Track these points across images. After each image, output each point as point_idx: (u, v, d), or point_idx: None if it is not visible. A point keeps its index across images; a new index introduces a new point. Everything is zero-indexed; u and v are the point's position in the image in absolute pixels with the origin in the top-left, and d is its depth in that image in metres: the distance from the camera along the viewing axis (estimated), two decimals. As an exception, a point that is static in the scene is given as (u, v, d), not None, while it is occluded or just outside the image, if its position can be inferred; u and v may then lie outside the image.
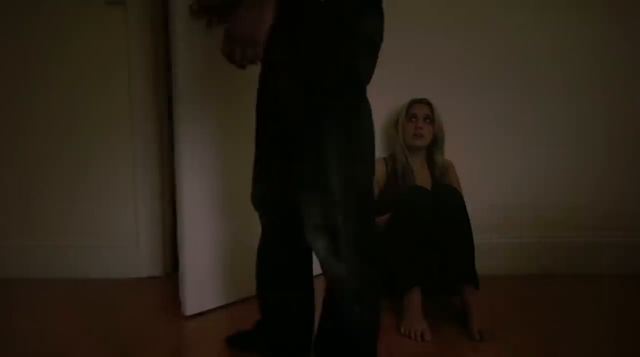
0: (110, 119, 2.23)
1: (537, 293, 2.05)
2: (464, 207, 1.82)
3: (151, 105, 2.21)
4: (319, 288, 1.28)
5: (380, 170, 2.15)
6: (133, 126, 2.21)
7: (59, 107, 2.23)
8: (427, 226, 1.78)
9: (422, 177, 2.12)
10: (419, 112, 2.10)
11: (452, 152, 2.20)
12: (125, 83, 2.20)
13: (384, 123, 2.26)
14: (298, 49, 1.08)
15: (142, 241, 2.26)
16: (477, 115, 2.27)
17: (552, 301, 1.97)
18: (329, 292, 1.19)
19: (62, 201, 2.26)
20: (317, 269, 1.25)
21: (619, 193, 2.30)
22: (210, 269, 1.84)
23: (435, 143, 2.14)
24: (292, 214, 1.20)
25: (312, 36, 1.07)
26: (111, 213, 2.26)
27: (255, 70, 1.23)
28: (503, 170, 2.30)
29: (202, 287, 1.82)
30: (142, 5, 2.14)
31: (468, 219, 1.80)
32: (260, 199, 1.36)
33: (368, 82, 1.16)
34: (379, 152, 2.26)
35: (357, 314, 1.15)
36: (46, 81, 2.22)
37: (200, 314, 1.81)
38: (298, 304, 1.37)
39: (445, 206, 1.81)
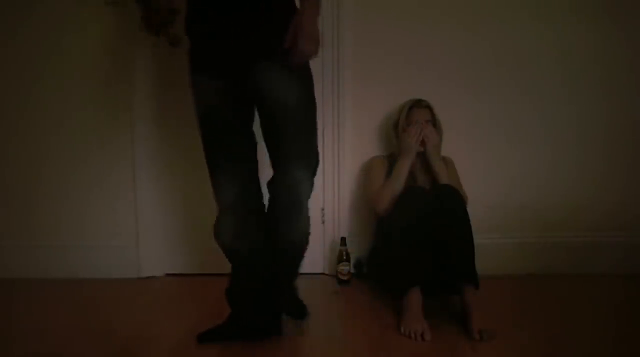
0: (110, 119, 2.23)
1: (537, 293, 2.05)
2: (464, 207, 1.81)
3: (151, 106, 2.21)
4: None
5: (381, 169, 2.15)
6: (133, 126, 2.21)
7: (58, 107, 2.23)
8: (427, 226, 1.77)
9: (423, 178, 2.11)
10: (420, 117, 2.06)
11: (453, 152, 2.19)
12: (125, 83, 2.20)
13: (383, 122, 2.26)
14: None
15: (142, 241, 2.26)
16: (478, 115, 2.27)
17: (552, 300, 1.98)
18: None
19: (61, 201, 2.26)
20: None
21: (619, 193, 2.30)
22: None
23: (434, 142, 2.13)
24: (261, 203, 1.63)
25: None
26: (111, 213, 2.26)
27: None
28: (503, 171, 2.30)
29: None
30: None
31: (468, 219, 1.80)
32: (235, 200, 1.56)
33: None
34: (379, 152, 2.27)
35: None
36: (45, 81, 2.22)
37: (199, 315, 1.81)
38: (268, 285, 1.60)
39: (445, 205, 1.81)
